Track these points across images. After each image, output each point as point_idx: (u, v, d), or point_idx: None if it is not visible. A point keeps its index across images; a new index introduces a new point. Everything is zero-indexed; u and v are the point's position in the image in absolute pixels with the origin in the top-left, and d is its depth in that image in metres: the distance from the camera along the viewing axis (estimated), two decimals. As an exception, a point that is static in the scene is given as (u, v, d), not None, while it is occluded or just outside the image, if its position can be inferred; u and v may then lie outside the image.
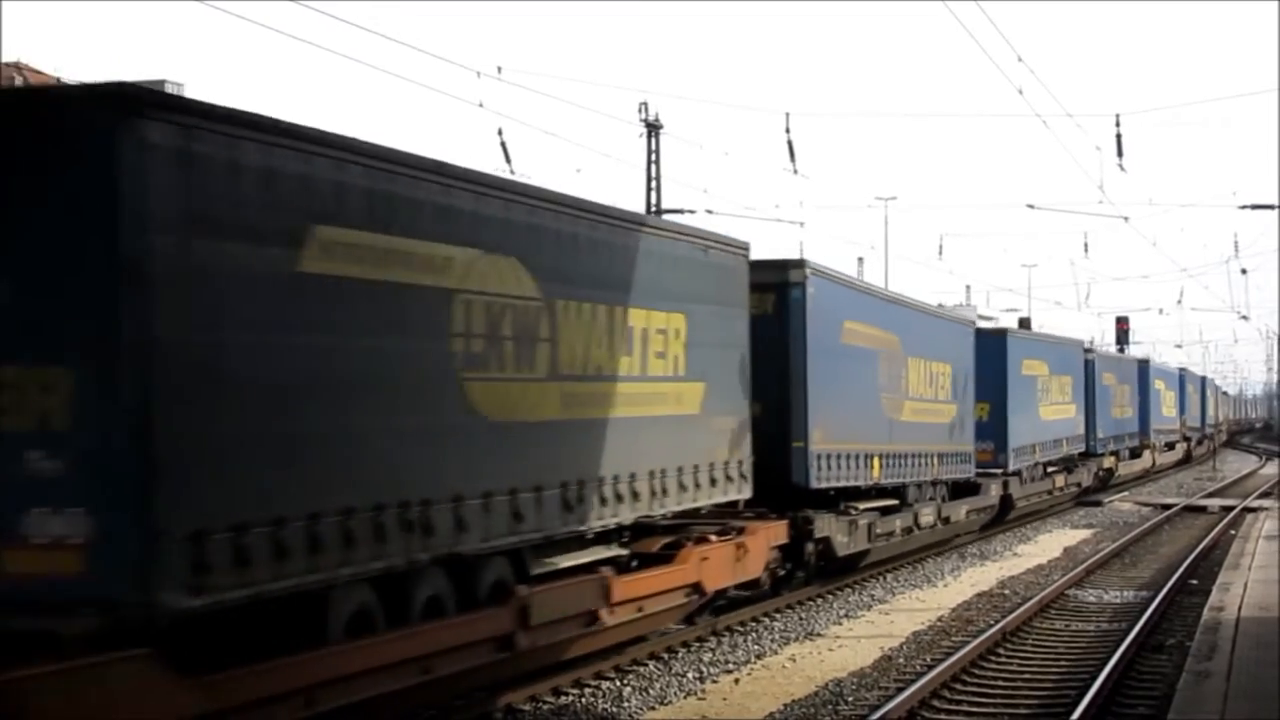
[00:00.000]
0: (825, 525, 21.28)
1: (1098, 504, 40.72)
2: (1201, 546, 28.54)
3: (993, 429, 32.10)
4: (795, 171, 35.69)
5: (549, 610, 13.78)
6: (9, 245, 9.47)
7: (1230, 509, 38.32)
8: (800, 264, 21.08)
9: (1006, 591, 22.35)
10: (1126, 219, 44.77)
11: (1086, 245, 75.98)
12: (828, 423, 21.11)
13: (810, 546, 20.97)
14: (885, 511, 23.92)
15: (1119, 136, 32.10)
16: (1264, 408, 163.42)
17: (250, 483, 9.98)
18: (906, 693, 13.90)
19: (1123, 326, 75.39)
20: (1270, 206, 43.72)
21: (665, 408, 16.17)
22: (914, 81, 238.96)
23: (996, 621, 18.52)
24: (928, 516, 26.37)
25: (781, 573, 20.48)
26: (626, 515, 15.28)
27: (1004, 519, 33.07)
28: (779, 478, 19.71)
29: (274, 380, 10.30)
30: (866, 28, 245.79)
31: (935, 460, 26.93)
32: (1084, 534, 32.58)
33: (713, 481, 17.24)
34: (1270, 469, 69.04)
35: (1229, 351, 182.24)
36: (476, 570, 12.84)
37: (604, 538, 15.19)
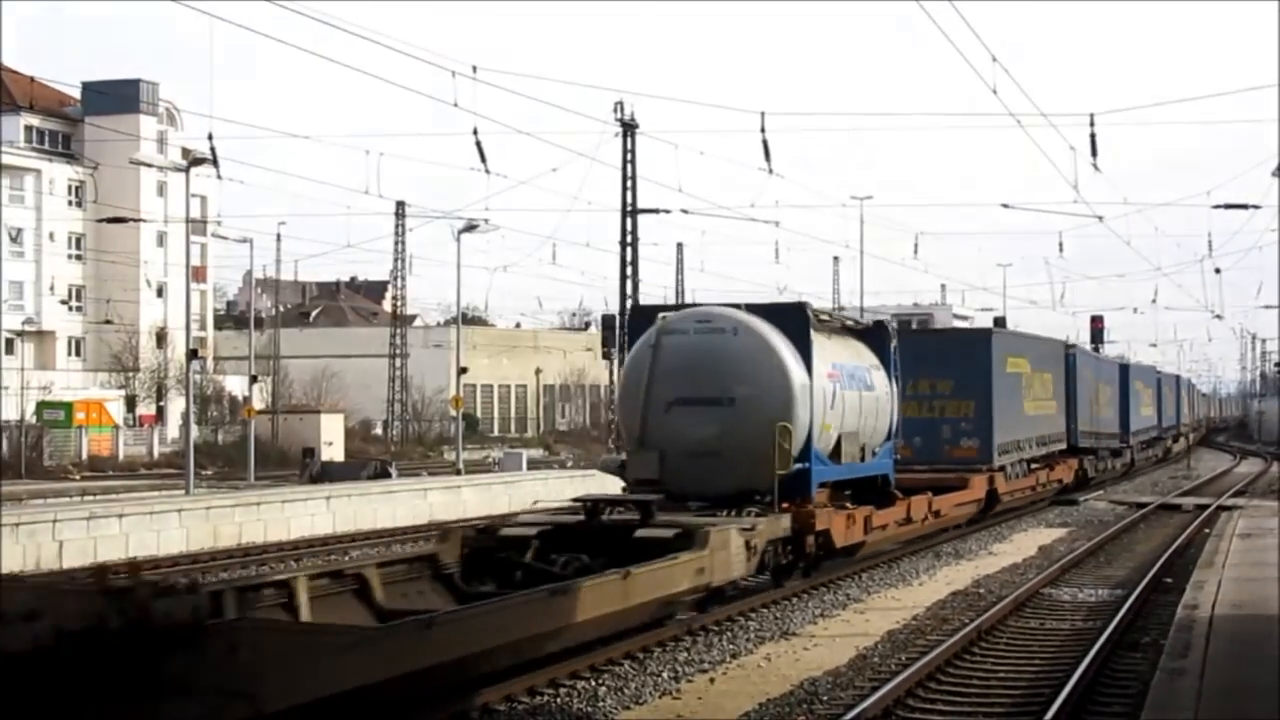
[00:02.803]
0: (1086, 464, 45.31)
1: (1074, 503, 40.84)
2: (1176, 545, 28.62)
3: (1121, 421, 54.05)
4: (770, 171, 35.75)
5: (1044, 479, 38.97)
6: (963, 365, 33.59)
7: (1204, 508, 38.43)
8: (1074, 345, 47.61)
9: (982, 590, 22.37)
10: (1100, 218, 45.05)
11: (1061, 244, 76.30)
12: (1081, 416, 44.17)
13: (1081, 472, 44.51)
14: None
15: (1093, 136, 32.23)
16: (1238, 406, 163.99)
17: (1009, 431, 34.79)
18: (881, 691, 13.91)
19: (1097, 325, 75.59)
20: (1244, 206, 43.89)
21: (1047, 409, 39.85)
22: (889, 82, 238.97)
23: (971, 620, 18.54)
24: (1108, 464, 50.79)
25: (1071, 481, 43.05)
26: (1044, 450, 38.92)
27: (1129, 473, 56.22)
28: (1068, 441, 42.62)
29: (1009, 402, 35.33)
30: (841, 28, 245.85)
31: (1108, 437, 50.79)
32: (1059, 532, 32.66)
33: (1057, 440, 41.12)
34: (1244, 467, 69.32)
35: (1203, 350, 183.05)
36: (1027, 463, 36.82)
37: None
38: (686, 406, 21.21)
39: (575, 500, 20.96)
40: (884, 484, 25.65)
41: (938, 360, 33.16)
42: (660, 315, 22.07)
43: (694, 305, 23.50)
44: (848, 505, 23.41)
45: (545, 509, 21.92)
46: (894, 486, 26.00)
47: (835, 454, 23.05)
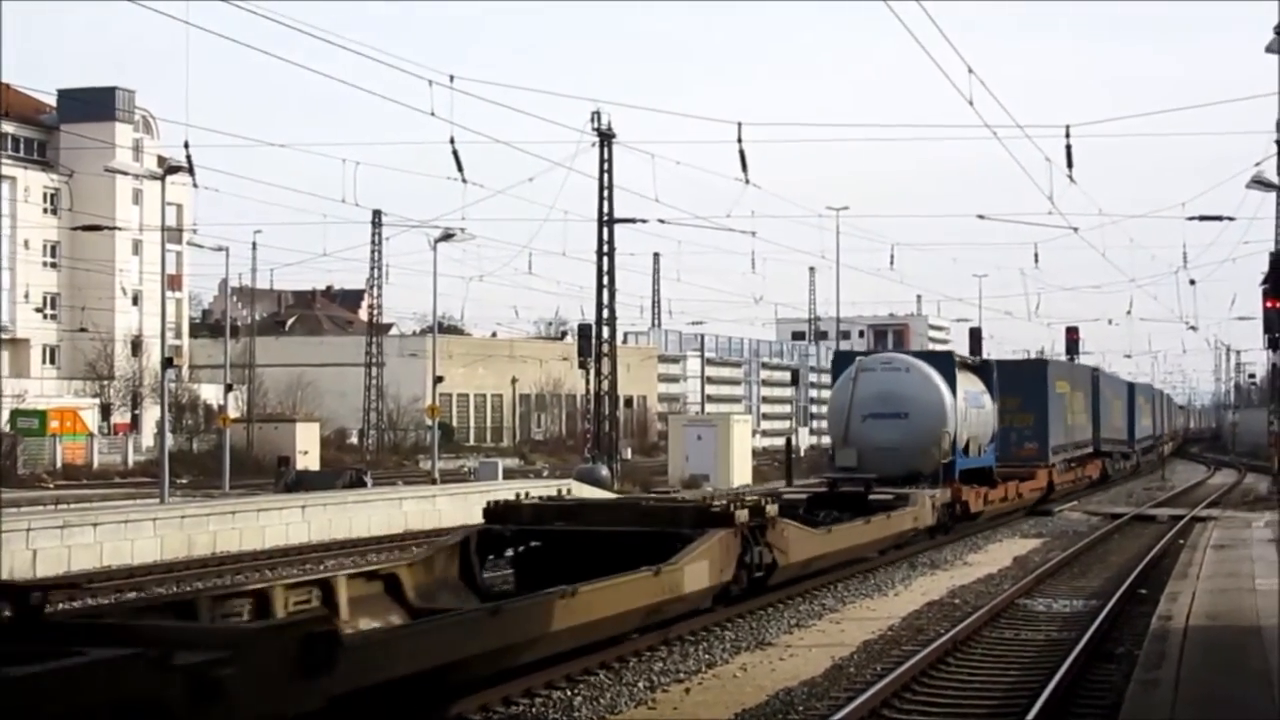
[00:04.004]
0: (1107, 465, 56.40)
1: (1048, 513, 40.93)
2: (1150, 556, 28.66)
3: (1129, 430, 65.55)
4: (747, 181, 35.80)
5: (1081, 474, 50.99)
6: (1026, 387, 43.66)
7: (1179, 518, 38.54)
8: (1097, 369, 63.40)
9: (957, 600, 22.38)
10: (1076, 230, 45.29)
11: (1037, 256, 76.19)
12: (1105, 425, 55.52)
13: (1104, 471, 55.39)
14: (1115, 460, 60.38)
15: (1069, 148, 32.37)
16: (1213, 417, 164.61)
17: (1058, 437, 46.01)
18: (857, 702, 13.90)
19: (1073, 337, 75.83)
20: (1218, 218, 44.09)
21: (1081, 420, 51.80)
22: (866, 93, 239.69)
23: (947, 630, 18.55)
24: (1121, 464, 62.14)
25: (1097, 477, 54.20)
26: (1080, 452, 51.11)
27: (1135, 472, 66.94)
28: (1093, 446, 53.66)
29: (1058, 414, 46.12)
30: (818, 39, 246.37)
31: (1120, 443, 62.38)
32: (1034, 543, 32.71)
33: (1088, 445, 52.78)
34: (1218, 478, 69.55)
35: (1178, 361, 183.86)
36: (1068, 462, 48.72)
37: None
38: (876, 419, 32.61)
39: (820, 479, 35.06)
40: (989, 473, 37.02)
41: (1008, 383, 40.97)
42: (857, 358, 34.32)
43: (883, 351, 36.92)
44: (974, 485, 34.34)
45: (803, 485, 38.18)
46: (995, 475, 37.28)
47: (966, 451, 34.61)
